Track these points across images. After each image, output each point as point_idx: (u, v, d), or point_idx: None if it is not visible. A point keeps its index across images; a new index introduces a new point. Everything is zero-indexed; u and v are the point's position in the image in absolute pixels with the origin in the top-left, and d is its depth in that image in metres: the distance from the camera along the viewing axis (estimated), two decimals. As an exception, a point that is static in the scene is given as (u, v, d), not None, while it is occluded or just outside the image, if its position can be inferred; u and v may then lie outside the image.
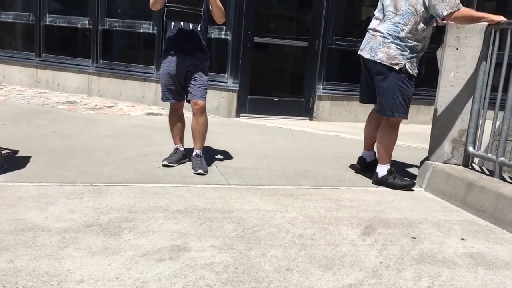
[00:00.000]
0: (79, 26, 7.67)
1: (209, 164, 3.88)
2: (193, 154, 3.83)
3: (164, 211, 2.81)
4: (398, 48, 3.53)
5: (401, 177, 3.77)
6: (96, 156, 3.95)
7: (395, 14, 3.54)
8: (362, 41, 3.80)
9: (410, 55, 3.55)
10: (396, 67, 3.54)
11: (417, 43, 3.54)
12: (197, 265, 2.14)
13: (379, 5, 3.71)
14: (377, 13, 3.71)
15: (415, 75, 3.62)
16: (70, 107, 6.42)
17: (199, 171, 3.64)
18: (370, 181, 3.84)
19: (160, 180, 3.44)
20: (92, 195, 2.98)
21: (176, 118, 3.94)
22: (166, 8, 3.46)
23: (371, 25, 3.73)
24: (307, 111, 6.88)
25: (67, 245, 2.25)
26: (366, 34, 3.76)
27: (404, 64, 3.54)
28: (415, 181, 3.79)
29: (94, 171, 3.52)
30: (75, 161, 3.76)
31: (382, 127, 3.79)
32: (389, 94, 3.61)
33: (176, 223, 2.63)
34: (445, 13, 3.35)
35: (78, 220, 2.56)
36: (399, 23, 3.51)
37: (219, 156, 4.26)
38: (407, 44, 3.52)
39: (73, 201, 2.85)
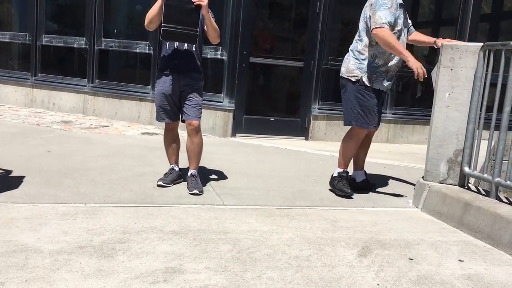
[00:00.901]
0: (75, 46, 7.71)
1: (204, 184, 3.86)
2: (188, 174, 3.81)
3: (159, 232, 2.77)
4: (356, 62, 3.83)
5: (346, 185, 3.87)
6: (90, 176, 3.92)
7: (357, 32, 3.90)
8: None
9: (367, 69, 3.78)
10: (353, 79, 3.83)
11: (374, 57, 3.77)
12: (191, 288, 2.10)
13: None
14: None
15: (377, 88, 3.82)
16: (65, 126, 6.40)
17: (195, 191, 3.62)
18: (366, 202, 3.83)
19: (155, 201, 3.41)
20: (85, 216, 2.95)
21: (171, 138, 3.93)
22: (161, 28, 3.48)
23: None
24: (302, 131, 6.89)
25: (60, 267, 2.21)
26: None
27: (361, 76, 3.79)
28: (353, 195, 3.85)
29: (88, 192, 3.48)
30: (69, 181, 3.72)
31: (345, 134, 4.03)
32: (348, 104, 3.90)
33: (170, 244, 2.59)
34: (372, 28, 3.63)
35: (71, 242, 2.53)
36: (357, 39, 3.88)
37: (214, 176, 4.24)
38: (363, 57, 3.80)
39: (66, 222, 2.81)
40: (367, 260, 2.58)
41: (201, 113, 3.77)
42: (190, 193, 3.61)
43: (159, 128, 6.59)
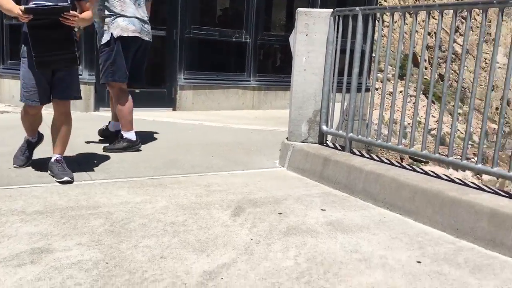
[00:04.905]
0: None
1: (70, 163, 3.56)
2: (53, 159, 3.34)
3: (20, 213, 2.56)
4: None
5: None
6: None
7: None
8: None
9: None
10: None
11: None
12: (63, 266, 2.00)
13: None
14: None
15: None
16: None
17: (65, 178, 3.20)
18: (237, 165, 3.96)
19: (13, 182, 3.13)
20: None
21: (31, 118, 3.45)
22: (33, 59, 3.03)
23: (136, 13, 4.19)
24: (170, 102, 6.81)
25: None
26: (137, 20, 4.20)
27: None
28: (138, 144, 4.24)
29: None
30: None
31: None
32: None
33: (35, 225, 2.42)
34: None
35: None
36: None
37: (79, 152, 4.01)
38: None
39: None
40: (241, 219, 2.70)
41: (74, 93, 3.38)
42: (59, 181, 3.19)
43: (10, 106, 5.98)
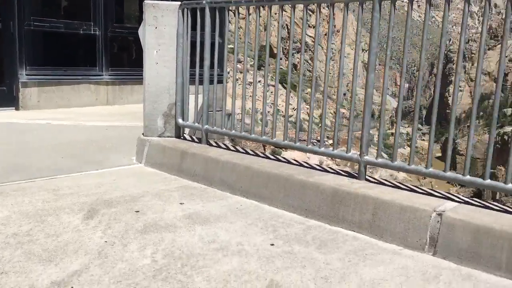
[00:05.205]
0: None
1: None
2: None
3: None
4: None
5: None
6: None
7: None
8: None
9: None
10: None
11: None
12: None
13: None
14: None
15: None
16: None
17: None
18: (90, 165, 3.75)
19: None
20: None
21: None
22: None
23: None
24: (11, 100, 6.18)
25: None
26: None
27: None
28: None
29: None
30: None
31: None
32: None
33: None
34: None
35: None
36: None
37: None
38: None
39: None
40: (94, 221, 2.56)
41: None
42: None
43: None
